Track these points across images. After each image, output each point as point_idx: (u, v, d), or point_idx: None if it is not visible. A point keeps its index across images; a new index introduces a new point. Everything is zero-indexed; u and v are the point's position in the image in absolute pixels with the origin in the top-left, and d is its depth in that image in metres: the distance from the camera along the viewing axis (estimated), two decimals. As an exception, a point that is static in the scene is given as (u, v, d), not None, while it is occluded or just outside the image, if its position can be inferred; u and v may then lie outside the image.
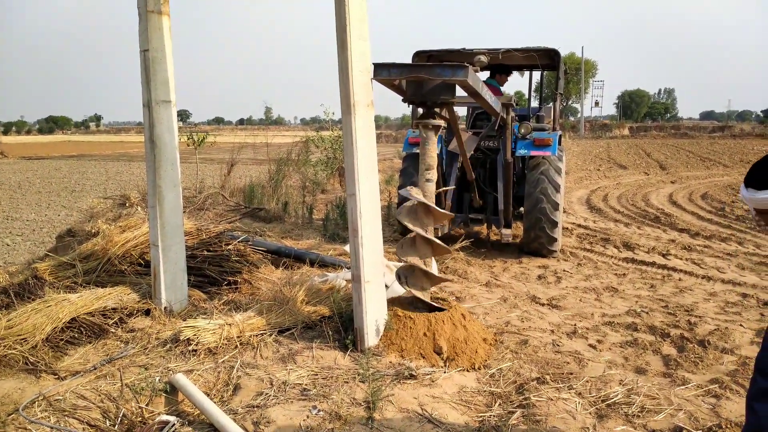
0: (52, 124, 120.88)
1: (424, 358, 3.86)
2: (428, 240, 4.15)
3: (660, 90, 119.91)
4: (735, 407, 3.43)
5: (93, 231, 6.37)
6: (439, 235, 7.56)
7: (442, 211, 4.19)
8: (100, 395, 3.26)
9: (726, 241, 8.35)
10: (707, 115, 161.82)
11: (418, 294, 4.19)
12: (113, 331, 4.19)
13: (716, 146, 34.95)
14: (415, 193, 4.10)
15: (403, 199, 4.37)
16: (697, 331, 4.68)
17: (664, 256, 7.47)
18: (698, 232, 8.97)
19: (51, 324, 3.91)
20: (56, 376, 3.53)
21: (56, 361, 3.70)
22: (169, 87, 4.51)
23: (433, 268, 5.08)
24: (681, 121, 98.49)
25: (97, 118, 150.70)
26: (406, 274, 4.26)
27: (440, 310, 4.24)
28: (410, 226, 4.12)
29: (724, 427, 3.13)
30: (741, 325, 4.86)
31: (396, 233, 8.24)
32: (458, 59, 7.40)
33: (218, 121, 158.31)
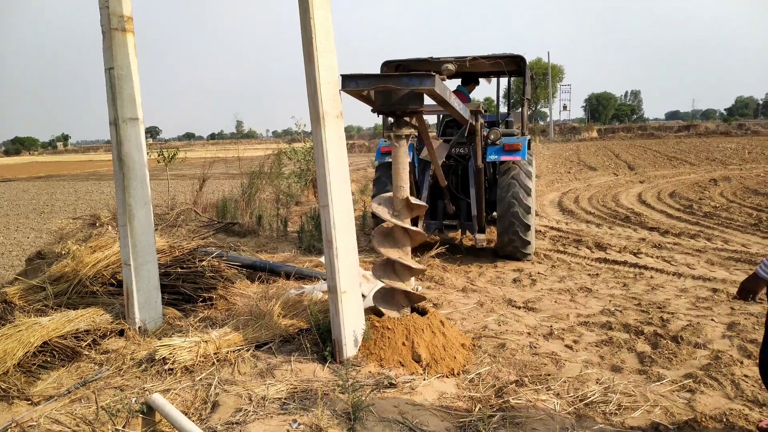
0: (19, 146, 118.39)
1: (403, 366, 3.86)
2: (406, 264, 4.18)
3: (627, 92, 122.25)
4: (709, 401, 3.49)
5: (63, 252, 6.26)
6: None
7: (415, 229, 4.22)
8: (75, 419, 3.20)
9: (695, 237, 8.52)
10: (673, 115, 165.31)
11: (396, 315, 4.21)
12: (87, 353, 4.12)
13: (682, 145, 35.71)
14: (382, 212, 4.12)
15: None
16: (670, 328, 4.76)
17: (635, 254, 7.59)
18: (668, 230, 9.14)
19: (22, 349, 3.84)
20: (29, 402, 3.46)
21: (29, 387, 3.63)
22: (136, 104, 4.48)
23: (411, 280, 5.09)
24: (647, 121, 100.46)
25: (65, 138, 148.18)
26: (382, 296, 4.29)
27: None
28: (382, 251, 4.15)
29: (699, 420, 3.18)
30: (712, 319, 4.96)
31: (371, 243, 8.24)
32: (426, 68, 7.46)
33: (189, 136, 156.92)
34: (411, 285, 4.36)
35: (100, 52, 4.38)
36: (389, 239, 4.24)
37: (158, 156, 12.59)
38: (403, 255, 4.19)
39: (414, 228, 4.20)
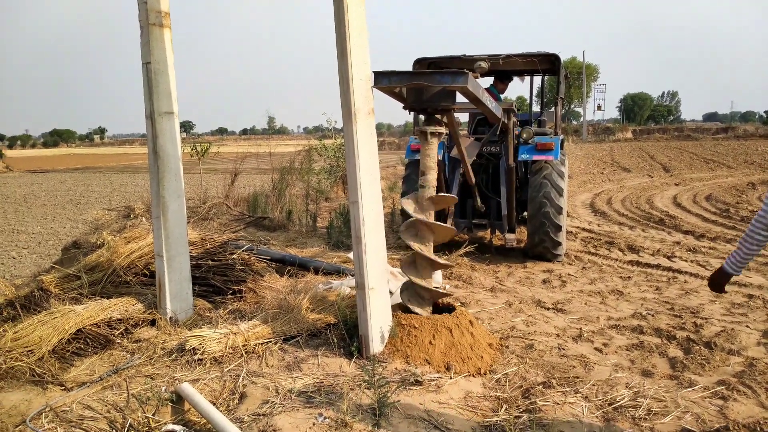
0: (57, 138, 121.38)
1: (429, 364, 3.85)
2: (428, 257, 4.17)
3: (663, 93, 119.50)
4: (742, 408, 3.41)
5: (98, 243, 6.39)
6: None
7: (444, 225, 4.21)
8: (106, 406, 3.27)
9: (731, 242, 8.32)
10: (710, 117, 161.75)
11: (419, 310, 4.20)
12: (119, 341, 4.20)
13: (720, 147, 34.87)
14: (412, 209, 4.12)
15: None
16: (704, 333, 4.67)
17: (669, 258, 7.45)
18: (703, 233, 8.95)
19: (57, 335, 3.93)
20: (63, 387, 3.54)
21: (63, 373, 3.72)
22: (172, 98, 4.55)
23: (437, 277, 5.09)
24: (684, 123, 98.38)
25: (101, 131, 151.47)
26: (406, 290, 4.29)
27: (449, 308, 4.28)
28: (411, 244, 4.14)
29: (731, 428, 3.11)
30: (747, 326, 4.85)
31: (400, 240, 8.24)
32: (459, 66, 7.43)
33: (222, 131, 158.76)
34: (434, 280, 4.34)
35: (137, 47, 4.46)
36: (415, 233, 4.24)
37: (191, 150, 12.76)
38: (427, 248, 4.19)
39: (440, 224, 4.19)
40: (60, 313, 4.16)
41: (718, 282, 2.88)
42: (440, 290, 4.34)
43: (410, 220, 4.21)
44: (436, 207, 4.31)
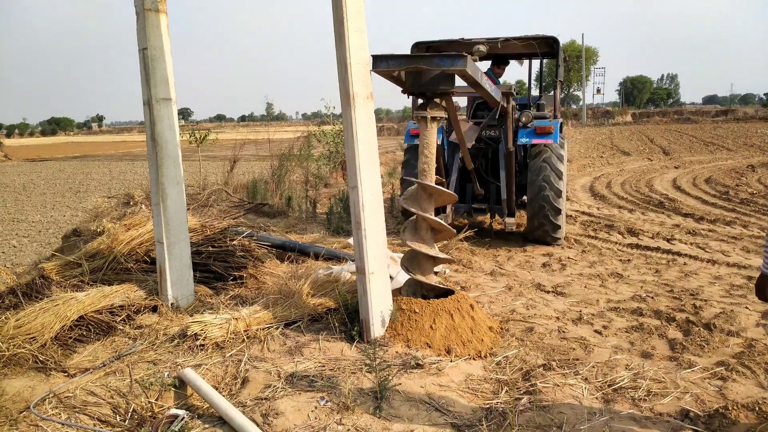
0: (55, 126, 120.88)
1: (430, 347, 3.87)
2: (430, 222, 4.16)
3: (663, 76, 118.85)
4: (741, 389, 3.43)
5: (98, 230, 6.40)
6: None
7: (444, 190, 4.19)
8: (109, 391, 3.29)
9: (730, 224, 8.34)
10: (710, 100, 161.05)
11: (423, 279, 4.21)
12: (121, 328, 4.22)
13: (719, 130, 34.76)
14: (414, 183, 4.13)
15: (407, 188, 4.43)
16: (703, 315, 4.68)
17: (668, 241, 7.46)
18: (703, 216, 8.96)
19: (59, 323, 3.94)
20: (66, 374, 3.56)
21: (65, 359, 3.74)
22: (169, 85, 4.53)
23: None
24: (684, 106, 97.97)
25: (99, 119, 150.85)
26: (410, 259, 4.28)
27: (450, 292, 4.27)
28: (412, 209, 4.13)
29: (730, 408, 3.13)
30: (746, 307, 4.86)
31: (399, 225, 8.25)
32: (457, 49, 7.38)
33: (220, 118, 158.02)
34: (435, 250, 4.34)
35: (134, 33, 4.43)
36: (417, 201, 4.23)
37: (190, 137, 12.72)
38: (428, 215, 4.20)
39: (441, 188, 4.18)
40: (62, 301, 4.17)
41: (761, 288, 2.73)
42: (445, 256, 4.35)
43: (412, 187, 4.21)
44: (438, 204, 4.32)
